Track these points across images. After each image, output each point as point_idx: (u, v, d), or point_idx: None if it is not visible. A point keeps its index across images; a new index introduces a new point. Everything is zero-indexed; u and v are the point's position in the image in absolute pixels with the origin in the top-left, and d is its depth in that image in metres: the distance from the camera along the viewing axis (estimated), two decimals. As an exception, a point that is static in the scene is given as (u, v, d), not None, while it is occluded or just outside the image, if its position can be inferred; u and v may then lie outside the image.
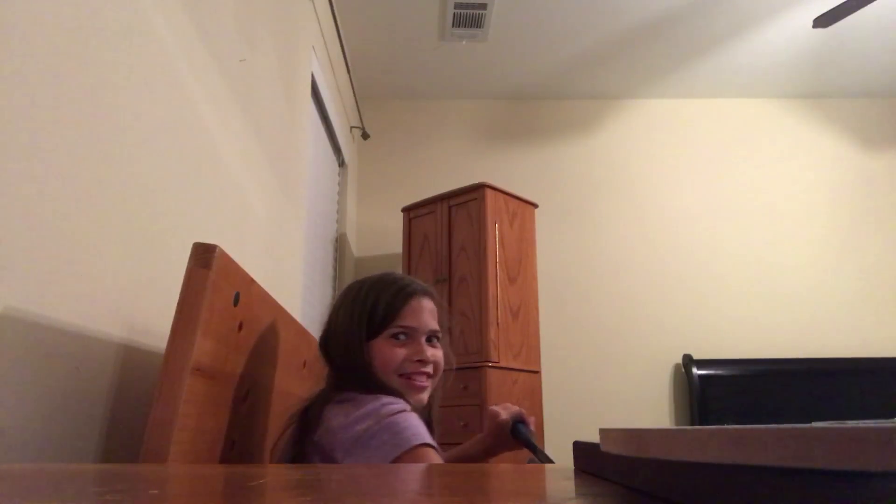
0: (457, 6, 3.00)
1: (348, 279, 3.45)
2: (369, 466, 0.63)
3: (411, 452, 0.88)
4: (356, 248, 3.72)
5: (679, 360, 3.60)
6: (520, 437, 1.19)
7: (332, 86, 3.00)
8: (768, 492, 0.20)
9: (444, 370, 1.10)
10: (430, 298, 1.09)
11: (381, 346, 1.03)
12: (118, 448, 0.90)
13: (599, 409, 3.52)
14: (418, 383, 1.03)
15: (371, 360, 1.02)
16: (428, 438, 0.91)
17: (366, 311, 1.04)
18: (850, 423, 0.18)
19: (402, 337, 1.04)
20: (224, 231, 1.39)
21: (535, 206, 3.19)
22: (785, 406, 3.36)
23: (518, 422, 1.19)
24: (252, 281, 0.99)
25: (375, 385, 1.00)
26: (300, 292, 2.28)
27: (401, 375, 1.03)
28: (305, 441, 0.96)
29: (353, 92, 3.53)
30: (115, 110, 0.92)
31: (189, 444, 0.77)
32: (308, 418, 0.98)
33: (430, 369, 1.05)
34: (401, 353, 1.03)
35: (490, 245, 2.85)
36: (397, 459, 0.87)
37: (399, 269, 3.56)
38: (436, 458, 0.90)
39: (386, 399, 0.95)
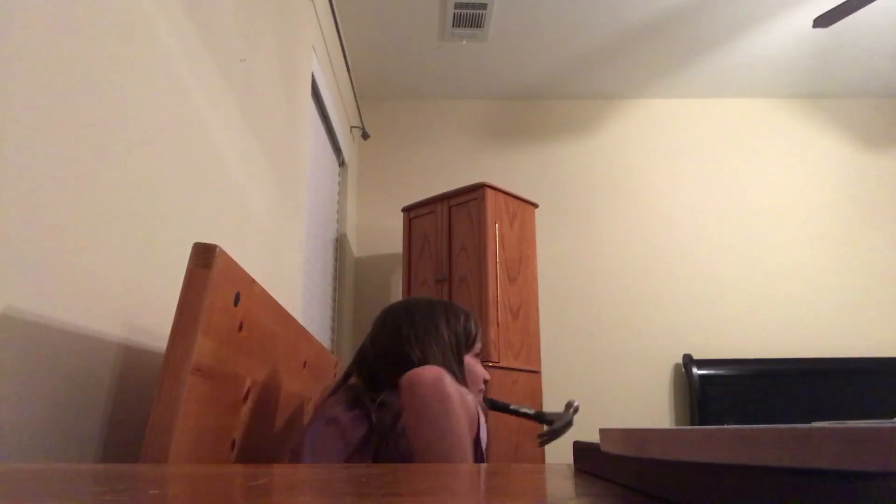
0: (457, 6, 3.00)
1: (348, 279, 3.45)
2: (370, 466, 0.63)
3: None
4: (356, 248, 3.72)
5: (679, 360, 3.60)
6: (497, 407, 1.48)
7: (332, 86, 3.00)
8: (768, 492, 0.20)
9: None
10: None
11: (470, 363, 1.21)
12: (118, 448, 0.90)
13: (599, 409, 3.52)
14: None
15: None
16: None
17: (461, 331, 1.20)
18: (850, 423, 0.18)
19: (478, 356, 1.24)
20: (224, 231, 1.39)
21: (535, 206, 3.19)
22: (785, 406, 3.36)
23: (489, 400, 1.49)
24: (252, 281, 0.99)
25: None
26: (300, 292, 2.28)
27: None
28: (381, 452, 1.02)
29: (353, 92, 3.53)
30: (116, 110, 0.92)
31: (189, 444, 0.77)
32: (388, 432, 1.04)
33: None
34: (480, 370, 1.23)
35: (490, 245, 2.85)
36: None
37: (399, 270, 3.56)
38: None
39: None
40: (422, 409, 0.89)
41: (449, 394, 0.91)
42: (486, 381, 1.24)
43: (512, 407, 1.53)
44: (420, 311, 1.21)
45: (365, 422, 1.03)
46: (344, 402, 1.08)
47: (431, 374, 0.91)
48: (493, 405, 1.53)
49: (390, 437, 1.01)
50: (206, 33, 1.29)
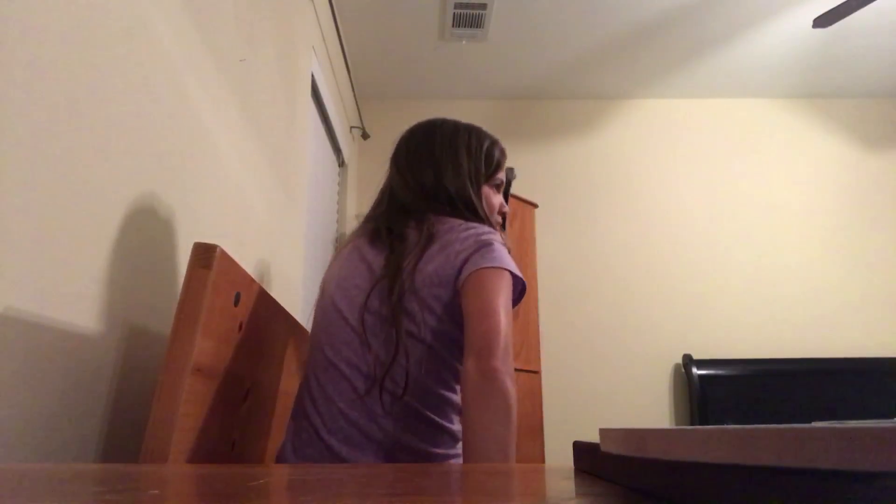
0: (457, 6, 3.00)
1: (348, 279, 3.45)
2: (369, 466, 0.63)
3: (507, 274, 1.00)
4: (356, 248, 3.72)
5: (679, 360, 3.60)
6: None
7: (332, 86, 3.00)
8: (768, 492, 0.20)
9: None
10: None
11: (487, 193, 1.17)
12: (118, 448, 0.90)
13: (599, 409, 3.52)
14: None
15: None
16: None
17: (482, 157, 1.16)
18: (850, 423, 0.18)
19: (499, 187, 1.20)
20: (224, 231, 1.39)
21: (535, 206, 3.19)
22: (785, 406, 3.36)
23: None
24: (252, 281, 0.99)
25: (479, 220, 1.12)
26: (300, 292, 2.28)
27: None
28: (404, 291, 1.00)
29: (353, 92, 3.53)
30: (115, 110, 0.92)
31: (189, 444, 0.77)
32: (402, 265, 1.02)
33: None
34: (497, 200, 1.20)
35: (490, 245, 2.85)
36: (492, 270, 0.98)
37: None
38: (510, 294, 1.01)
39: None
40: (491, 397, 0.91)
41: (513, 393, 0.93)
42: (504, 214, 1.22)
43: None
44: (443, 132, 1.18)
45: (385, 251, 1.06)
46: (370, 233, 1.11)
47: (506, 369, 0.92)
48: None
49: (405, 270, 1.02)
50: (206, 33, 1.29)
